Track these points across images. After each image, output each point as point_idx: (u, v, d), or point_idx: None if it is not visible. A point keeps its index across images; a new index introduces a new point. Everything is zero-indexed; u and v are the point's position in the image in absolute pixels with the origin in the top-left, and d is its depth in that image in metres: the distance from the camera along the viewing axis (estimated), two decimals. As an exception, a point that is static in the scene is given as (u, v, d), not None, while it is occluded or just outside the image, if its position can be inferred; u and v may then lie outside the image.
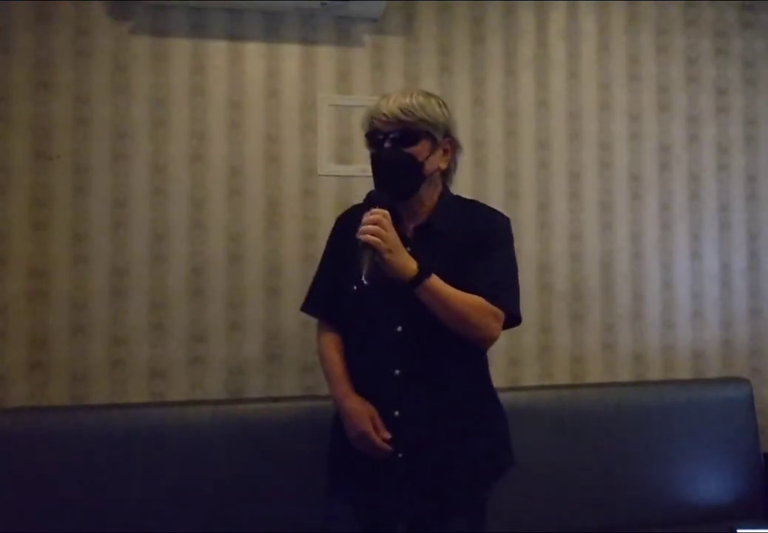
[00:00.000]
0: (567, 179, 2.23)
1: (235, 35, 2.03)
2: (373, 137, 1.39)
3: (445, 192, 1.47)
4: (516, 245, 2.15)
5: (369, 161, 1.39)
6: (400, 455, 1.34)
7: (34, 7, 1.92)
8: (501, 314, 1.34)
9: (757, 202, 2.37)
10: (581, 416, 2.02)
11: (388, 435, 1.33)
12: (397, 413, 1.35)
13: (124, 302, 1.93)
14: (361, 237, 1.22)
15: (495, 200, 2.17)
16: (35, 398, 1.87)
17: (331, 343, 1.48)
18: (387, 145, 1.35)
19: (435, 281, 1.27)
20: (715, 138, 2.36)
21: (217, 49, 2.02)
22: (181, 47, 2.00)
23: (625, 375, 2.24)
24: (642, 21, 2.31)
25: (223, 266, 1.99)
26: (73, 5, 1.94)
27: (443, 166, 1.43)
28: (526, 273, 2.18)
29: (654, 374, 2.26)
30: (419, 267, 1.25)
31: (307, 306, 1.56)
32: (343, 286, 1.43)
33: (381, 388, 1.37)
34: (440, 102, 1.42)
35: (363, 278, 1.20)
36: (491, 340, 1.35)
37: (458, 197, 1.50)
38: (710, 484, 2.08)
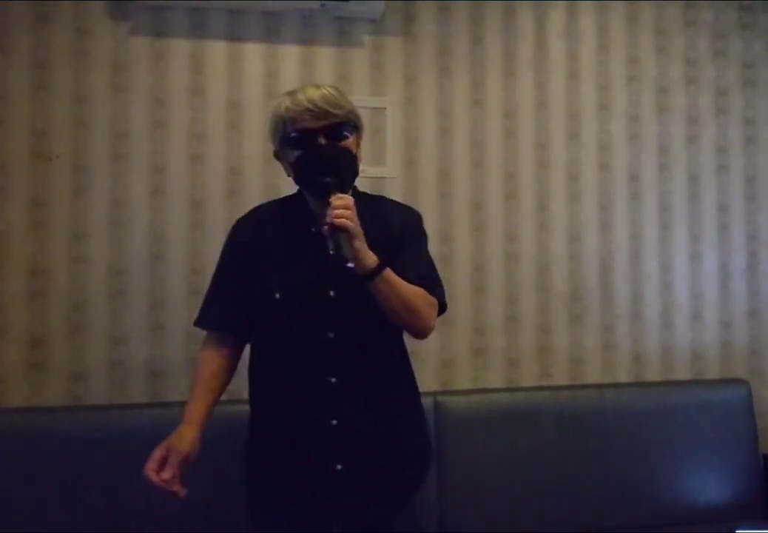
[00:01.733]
0: (566, 180, 2.23)
1: (234, 36, 2.03)
2: (301, 136, 1.26)
3: (354, 188, 1.39)
4: (514, 245, 2.20)
5: (304, 161, 1.28)
6: (339, 466, 1.28)
7: (33, 8, 1.92)
8: (436, 303, 1.33)
9: (756, 203, 2.37)
10: (580, 417, 2.02)
11: (166, 476, 1.26)
12: (335, 422, 1.29)
13: (123, 302, 1.93)
14: (336, 221, 1.15)
15: (494, 201, 2.17)
16: (34, 399, 1.87)
17: (216, 360, 1.40)
18: (321, 141, 1.26)
19: (390, 272, 1.22)
20: (715, 139, 2.36)
21: (217, 50, 2.02)
22: (180, 48, 2.00)
23: (624, 376, 2.24)
24: (641, 22, 2.31)
25: (222, 266, 1.99)
26: (73, 5, 1.94)
27: (361, 158, 1.36)
28: (525, 274, 2.19)
29: (653, 375, 2.26)
30: (379, 258, 1.21)
31: (207, 321, 1.43)
32: (259, 296, 1.33)
33: (316, 396, 1.30)
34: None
35: (350, 263, 1.15)
36: (431, 330, 1.33)
37: (364, 193, 1.44)
38: (709, 485, 2.08)
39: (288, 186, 2.02)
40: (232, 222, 1.97)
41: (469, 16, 2.19)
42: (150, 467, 1.26)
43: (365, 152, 1.47)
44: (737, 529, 1.91)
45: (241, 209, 1.99)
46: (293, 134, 1.28)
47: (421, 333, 1.33)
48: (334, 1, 1.95)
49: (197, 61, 2.01)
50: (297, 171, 1.31)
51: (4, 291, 1.87)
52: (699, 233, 2.33)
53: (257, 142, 2.03)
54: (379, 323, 1.31)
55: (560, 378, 2.19)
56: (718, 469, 2.09)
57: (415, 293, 1.27)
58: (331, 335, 1.30)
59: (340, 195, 1.20)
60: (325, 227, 1.17)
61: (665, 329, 2.29)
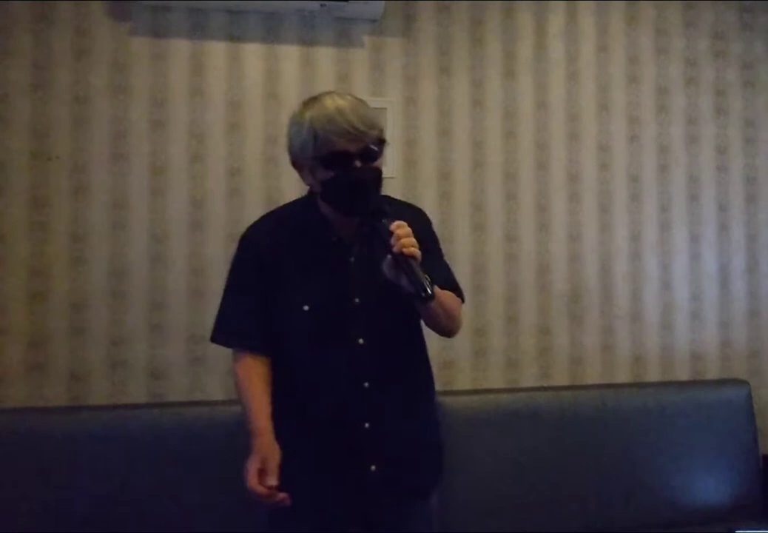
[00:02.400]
0: (566, 180, 2.23)
1: (234, 36, 2.03)
2: (338, 158, 1.23)
3: None
4: (514, 245, 2.20)
5: (340, 184, 1.25)
6: (373, 467, 1.31)
7: (33, 8, 1.92)
8: (461, 304, 1.40)
9: (755, 203, 2.37)
10: (580, 417, 2.02)
11: (273, 482, 1.21)
12: (367, 425, 1.31)
13: (123, 303, 1.93)
14: (405, 250, 1.14)
15: (494, 201, 2.17)
16: (34, 399, 1.87)
17: (260, 367, 1.34)
18: (357, 163, 1.23)
19: (437, 287, 1.23)
20: (714, 139, 2.36)
21: (217, 50, 2.02)
22: (180, 48, 2.00)
23: (623, 377, 2.24)
24: (641, 22, 2.32)
25: (223, 266, 1.97)
26: (73, 5, 1.94)
27: None
28: (525, 274, 2.19)
29: (653, 375, 2.26)
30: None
31: (232, 338, 1.37)
32: (285, 307, 1.32)
33: (349, 402, 1.32)
34: None
35: (428, 289, 1.13)
36: (460, 328, 1.40)
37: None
38: (709, 485, 2.08)
39: (288, 187, 2.03)
40: (233, 222, 2.00)
41: (469, 17, 2.19)
42: (253, 481, 1.22)
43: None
44: (736, 530, 1.91)
45: (241, 209, 2.00)
46: (329, 156, 1.23)
47: (453, 334, 1.40)
48: (334, 1, 1.95)
49: (197, 61, 2.01)
50: (330, 191, 1.28)
51: (4, 292, 1.87)
52: (699, 233, 2.33)
53: (257, 142, 2.03)
54: (404, 326, 1.38)
55: (560, 379, 2.19)
56: (718, 470, 2.09)
57: (451, 299, 1.34)
58: (361, 341, 1.32)
59: (399, 223, 1.18)
60: (389, 257, 1.17)
61: (665, 329, 2.29)
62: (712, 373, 2.31)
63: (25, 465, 1.71)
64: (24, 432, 1.73)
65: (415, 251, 1.16)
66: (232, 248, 1.97)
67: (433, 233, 1.44)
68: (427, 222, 1.44)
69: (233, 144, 2.02)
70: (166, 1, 1.95)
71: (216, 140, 2.01)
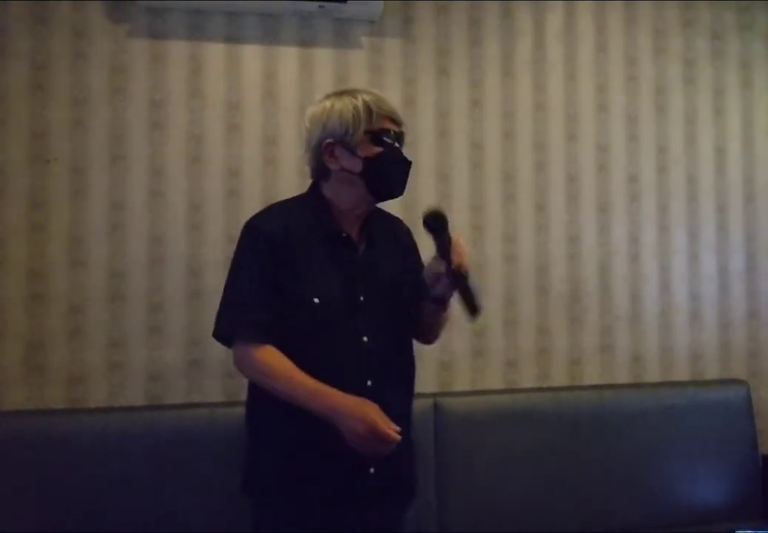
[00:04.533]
0: (564, 181, 2.23)
1: (232, 37, 2.03)
2: (386, 135, 1.33)
3: None
4: (513, 246, 2.20)
5: (379, 155, 1.32)
6: (372, 470, 1.30)
7: (32, 9, 1.92)
8: None
9: (754, 204, 2.37)
10: (579, 418, 2.02)
11: (396, 427, 1.20)
12: None
13: (122, 305, 1.93)
14: (463, 269, 1.25)
15: (492, 202, 2.17)
16: (32, 401, 1.86)
17: (278, 355, 1.29)
18: (397, 145, 1.35)
19: None
20: (713, 139, 2.36)
21: (215, 52, 2.02)
22: (178, 49, 2.00)
23: (622, 377, 2.24)
24: (639, 22, 2.32)
25: (221, 268, 1.97)
26: (71, 7, 1.94)
27: None
28: (524, 275, 2.19)
29: (652, 376, 2.26)
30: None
31: (245, 330, 1.31)
32: (296, 299, 1.31)
33: None
34: None
35: (478, 310, 1.25)
36: None
37: None
38: (709, 486, 2.08)
39: (287, 188, 2.03)
40: (231, 224, 1.99)
41: (467, 17, 2.18)
42: (390, 430, 1.19)
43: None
44: (737, 530, 1.91)
45: (239, 210, 2.00)
46: (381, 131, 1.33)
47: (434, 341, 1.52)
48: (332, 2, 1.95)
49: (196, 62, 2.01)
50: (374, 167, 1.32)
51: (2, 294, 1.87)
52: (697, 234, 2.33)
53: (256, 143, 2.03)
54: (402, 328, 1.41)
55: (559, 379, 2.19)
56: (718, 470, 2.09)
57: None
58: (365, 338, 1.33)
59: (458, 236, 1.31)
60: (448, 266, 1.24)
61: (664, 330, 2.29)
62: (712, 373, 2.31)
63: (24, 467, 1.70)
64: (23, 434, 1.73)
65: (469, 269, 1.26)
66: (231, 249, 1.97)
67: (413, 240, 1.53)
68: (409, 231, 1.54)
69: (232, 145, 2.01)
70: (165, 2, 1.95)
71: (214, 141, 2.01)
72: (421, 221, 1.31)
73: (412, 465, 1.43)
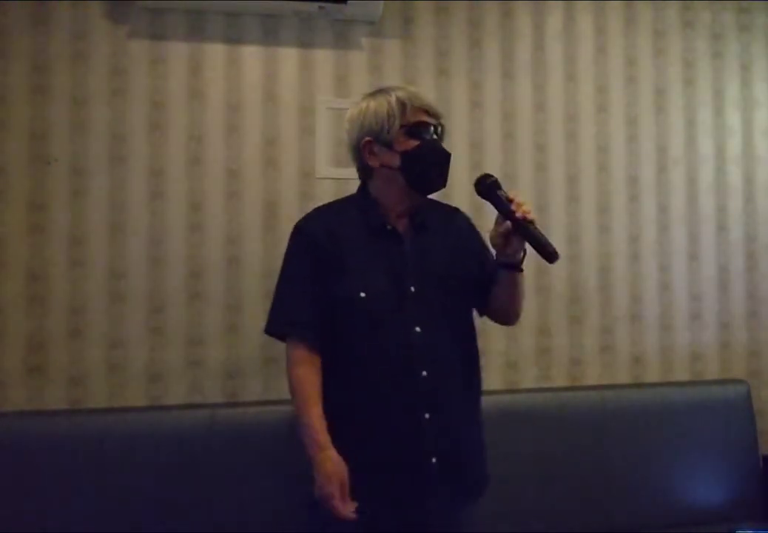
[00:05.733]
0: (564, 182, 2.24)
1: (232, 38, 2.03)
2: (424, 127, 1.37)
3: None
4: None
5: (415, 148, 1.36)
6: (434, 460, 1.31)
7: (31, 10, 1.92)
8: None
9: (755, 204, 2.38)
10: (580, 418, 2.02)
11: (353, 506, 1.23)
12: (427, 415, 1.31)
13: (122, 306, 1.93)
14: (529, 216, 1.28)
15: (493, 203, 2.17)
16: (33, 403, 1.86)
17: (317, 374, 1.34)
18: (433, 137, 1.38)
19: None
20: (713, 140, 2.36)
21: (215, 53, 2.02)
22: (178, 50, 2.00)
23: (623, 377, 2.24)
24: (639, 23, 2.32)
25: (221, 269, 1.99)
26: (71, 8, 1.94)
27: None
28: (524, 275, 2.17)
29: (652, 376, 2.26)
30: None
31: (288, 328, 1.38)
32: (343, 296, 1.33)
33: (407, 391, 1.32)
34: None
35: (556, 251, 1.26)
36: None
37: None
38: (709, 486, 2.08)
39: (287, 189, 2.03)
40: (231, 225, 2.00)
41: (467, 18, 2.19)
42: (344, 509, 1.22)
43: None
44: (737, 530, 1.91)
45: (239, 211, 2.00)
46: (417, 124, 1.36)
47: (518, 317, 1.51)
48: (332, 3, 1.95)
49: (196, 63, 2.01)
50: (412, 161, 1.36)
51: (2, 295, 1.87)
52: (697, 234, 2.33)
53: (256, 144, 2.03)
54: (460, 318, 1.41)
55: (560, 380, 2.19)
56: (718, 470, 2.09)
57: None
58: (417, 329, 1.33)
59: (513, 190, 1.33)
60: (508, 222, 1.28)
61: (664, 330, 2.29)
62: (712, 373, 2.31)
63: (24, 468, 1.70)
64: (23, 435, 1.73)
65: (534, 216, 1.28)
66: (231, 250, 1.99)
67: (474, 226, 1.55)
68: (469, 220, 1.55)
69: (232, 146, 2.01)
70: (165, 2, 1.95)
71: (214, 142, 2.01)
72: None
73: (478, 463, 1.42)
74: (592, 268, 2.24)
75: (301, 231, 1.42)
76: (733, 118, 2.38)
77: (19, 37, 1.91)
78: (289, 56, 2.06)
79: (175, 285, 1.96)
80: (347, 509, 1.23)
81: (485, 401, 2.00)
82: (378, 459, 1.31)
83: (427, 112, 1.37)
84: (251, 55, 2.04)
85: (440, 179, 1.40)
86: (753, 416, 2.15)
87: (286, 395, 1.96)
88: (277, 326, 1.40)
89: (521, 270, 1.36)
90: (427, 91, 2.12)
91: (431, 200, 1.49)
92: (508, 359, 2.16)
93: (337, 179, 2.04)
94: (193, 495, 1.76)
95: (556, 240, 2.19)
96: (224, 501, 1.76)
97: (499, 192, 1.33)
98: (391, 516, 1.32)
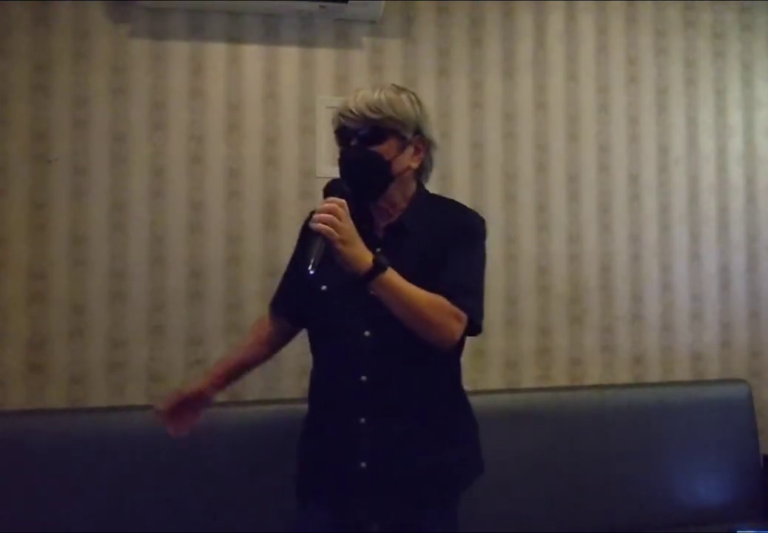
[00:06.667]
0: (565, 181, 2.23)
1: (233, 38, 2.03)
2: (341, 135, 1.34)
3: (419, 191, 1.41)
4: (514, 246, 2.19)
5: (338, 161, 1.36)
6: (363, 464, 1.28)
7: (33, 10, 1.92)
8: (463, 315, 1.27)
9: (756, 204, 2.37)
10: (580, 418, 2.02)
11: (160, 407, 1.37)
12: (363, 420, 1.29)
13: (123, 305, 1.93)
14: (313, 225, 1.16)
15: (493, 203, 2.17)
16: (33, 401, 1.86)
17: (263, 330, 1.51)
18: (353, 143, 1.32)
19: (391, 276, 1.19)
20: (714, 140, 2.36)
21: (216, 52, 2.02)
22: (179, 50, 2.00)
23: (624, 377, 2.24)
24: (640, 23, 2.31)
25: (222, 268, 1.99)
26: (72, 7, 1.94)
27: (414, 165, 1.36)
28: (525, 275, 2.18)
29: (653, 375, 2.26)
30: (374, 261, 1.18)
31: (271, 305, 1.53)
32: (310, 286, 1.34)
33: (346, 394, 1.31)
34: (412, 98, 1.35)
35: (309, 268, 1.14)
36: (451, 342, 1.27)
37: (433, 196, 1.44)
38: (710, 486, 2.08)
39: (288, 189, 2.03)
40: (232, 224, 2.00)
41: (468, 18, 2.18)
42: (171, 428, 1.38)
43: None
44: (737, 530, 1.91)
45: (240, 211, 2.01)
46: (334, 129, 1.36)
47: (438, 344, 1.28)
48: (333, 2, 1.95)
49: (197, 63, 2.01)
50: (340, 168, 1.36)
51: (3, 294, 1.87)
52: (699, 233, 2.32)
53: (257, 144, 2.03)
54: None
55: (560, 379, 2.19)
56: (719, 470, 2.09)
57: (426, 301, 1.23)
58: (366, 333, 1.31)
59: (330, 199, 1.20)
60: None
61: (665, 329, 2.29)
62: (713, 373, 2.31)
63: (25, 467, 1.70)
64: (23, 434, 1.73)
65: (323, 227, 1.15)
66: (232, 249, 1.99)
67: (469, 238, 1.40)
68: (467, 225, 1.41)
69: (232, 146, 2.02)
70: (166, 1, 1.95)
71: (215, 141, 2.01)
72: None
73: (423, 472, 1.32)
74: (592, 267, 2.24)
75: (305, 222, 1.45)
76: (735, 118, 2.38)
77: (20, 37, 1.91)
78: (289, 55, 2.06)
79: (175, 284, 1.96)
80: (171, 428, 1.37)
81: (485, 400, 2.02)
82: (312, 457, 1.36)
83: (353, 114, 1.30)
84: (252, 54, 2.04)
85: (362, 186, 1.31)
86: (754, 416, 2.15)
87: (286, 394, 1.98)
88: (271, 306, 1.53)
89: (366, 281, 1.19)
90: (427, 91, 2.14)
91: (440, 198, 1.45)
92: (509, 359, 2.16)
93: (337, 178, 2.04)
94: (193, 495, 1.76)
95: (557, 240, 2.21)
96: (224, 500, 1.76)
97: (326, 199, 1.23)
98: (328, 516, 1.33)
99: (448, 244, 1.33)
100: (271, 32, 2.05)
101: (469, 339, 2.12)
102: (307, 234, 1.28)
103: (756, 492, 2.11)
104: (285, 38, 2.06)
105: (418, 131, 1.36)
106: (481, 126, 2.18)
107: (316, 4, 1.96)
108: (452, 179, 2.15)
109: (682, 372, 2.28)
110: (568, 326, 2.21)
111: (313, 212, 1.43)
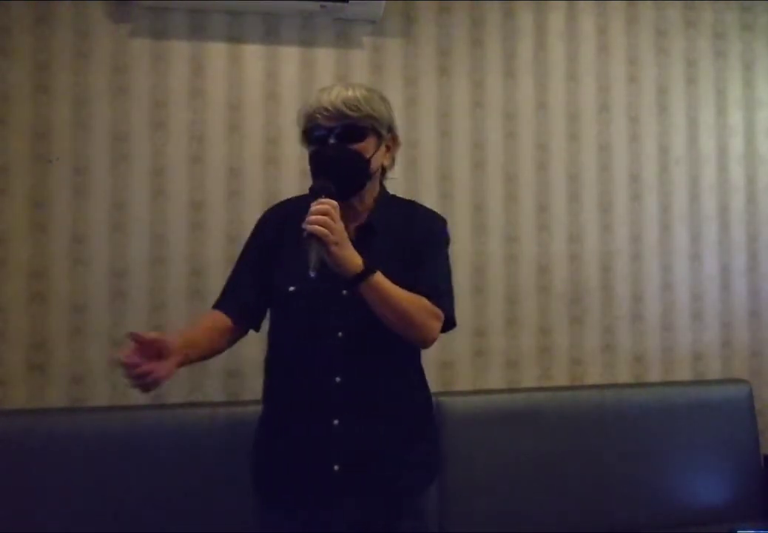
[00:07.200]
0: (566, 181, 2.23)
1: (234, 37, 2.03)
2: (314, 133, 1.30)
3: (383, 191, 1.41)
4: (514, 246, 2.19)
5: (311, 159, 1.32)
6: (336, 467, 1.27)
7: (33, 9, 1.92)
8: (441, 315, 1.30)
9: (756, 204, 2.37)
10: (580, 418, 2.02)
11: (126, 358, 1.16)
12: (336, 422, 1.28)
13: (124, 304, 1.93)
14: (308, 227, 1.14)
15: (494, 202, 2.17)
16: (34, 401, 1.87)
17: (210, 321, 1.38)
18: (332, 141, 1.28)
19: (380, 278, 1.21)
20: (715, 140, 2.35)
21: (217, 51, 2.02)
22: (180, 49, 2.00)
23: (624, 377, 2.24)
24: (641, 22, 2.31)
25: (223, 267, 1.97)
26: (73, 7, 1.94)
27: (386, 163, 1.37)
28: (526, 275, 2.18)
29: (653, 375, 2.26)
30: (365, 263, 1.19)
31: (218, 302, 1.43)
32: (276, 286, 1.33)
33: (320, 395, 1.30)
34: (381, 96, 1.36)
35: (310, 271, 1.13)
36: (431, 341, 1.31)
37: (394, 197, 1.45)
38: (710, 486, 2.08)
39: (288, 188, 2.03)
40: (233, 223, 2.00)
41: (469, 18, 2.18)
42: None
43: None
44: (738, 530, 1.91)
45: (241, 210, 2.01)
46: (303, 128, 1.33)
47: (420, 344, 1.34)
48: (334, 2, 1.95)
49: (197, 62, 2.01)
50: (310, 168, 1.33)
51: (4, 293, 1.87)
52: (699, 233, 2.32)
53: (257, 143, 2.03)
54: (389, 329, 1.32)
55: (560, 379, 2.19)
56: (719, 470, 2.09)
57: (410, 302, 1.25)
58: (340, 334, 1.30)
59: (323, 200, 1.19)
60: (304, 233, 1.16)
61: (666, 329, 2.28)
62: (713, 373, 2.30)
63: (25, 466, 1.70)
64: (24, 434, 1.73)
65: (319, 229, 1.14)
66: (232, 249, 1.98)
67: (438, 239, 1.42)
68: (434, 227, 1.42)
69: (233, 145, 2.02)
70: (166, 1, 1.95)
71: (216, 141, 2.01)
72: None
73: (397, 475, 1.32)
74: (593, 267, 2.24)
75: (259, 220, 1.47)
76: (736, 118, 2.38)
77: (21, 36, 1.91)
78: (290, 55, 2.06)
79: (176, 284, 1.96)
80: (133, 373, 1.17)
81: (485, 400, 2.03)
82: (283, 459, 1.32)
83: (329, 112, 1.27)
84: (253, 53, 2.04)
85: (342, 185, 1.26)
86: (754, 416, 2.14)
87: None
88: (218, 303, 1.43)
89: (356, 283, 1.19)
90: (428, 91, 2.15)
91: (409, 204, 1.45)
92: (509, 359, 2.16)
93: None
94: (194, 494, 1.76)
95: (558, 239, 2.21)
96: (224, 500, 1.76)
97: (316, 200, 1.21)
98: (296, 518, 1.31)
99: (417, 246, 1.34)
100: (271, 32, 2.05)
101: (469, 339, 2.15)
102: (279, 233, 1.30)
103: (756, 492, 2.11)
104: (285, 38, 2.06)
105: (390, 129, 1.37)
106: (481, 126, 2.18)
107: (317, 4, 1.96)
108: (453, 179, 2.15)
109: (683, 372, 2.28)
110: (569, 326, 2.21)
111: (276, 206, 1.47)
